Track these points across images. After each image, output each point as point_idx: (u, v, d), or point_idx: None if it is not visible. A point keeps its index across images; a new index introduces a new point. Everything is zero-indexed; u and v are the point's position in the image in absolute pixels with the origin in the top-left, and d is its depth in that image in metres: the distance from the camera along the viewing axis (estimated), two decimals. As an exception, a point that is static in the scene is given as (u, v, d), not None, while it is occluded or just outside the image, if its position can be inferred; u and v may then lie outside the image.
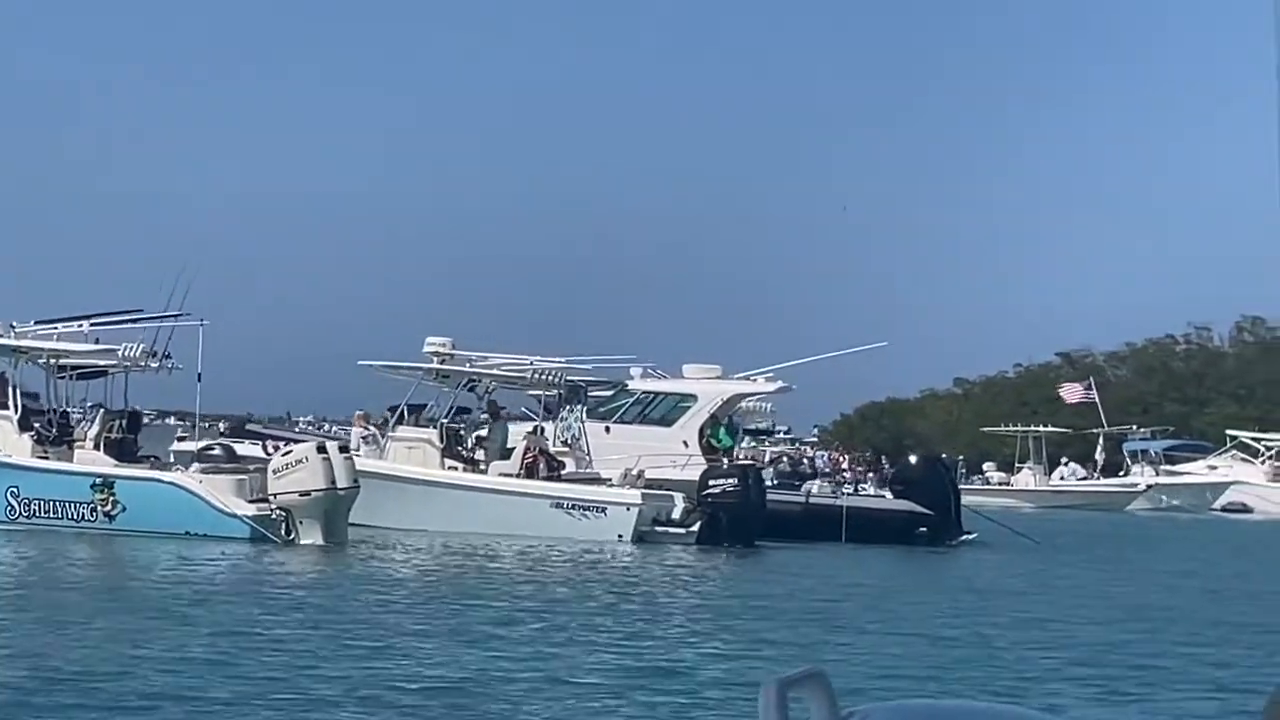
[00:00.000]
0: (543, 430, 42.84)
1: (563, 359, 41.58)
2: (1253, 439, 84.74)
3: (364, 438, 41.52)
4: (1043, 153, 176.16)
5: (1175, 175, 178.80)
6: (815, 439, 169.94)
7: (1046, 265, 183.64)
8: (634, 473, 41.00)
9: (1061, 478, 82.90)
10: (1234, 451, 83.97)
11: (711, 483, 40.28)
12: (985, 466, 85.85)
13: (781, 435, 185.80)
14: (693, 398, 45.19)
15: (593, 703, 16.13)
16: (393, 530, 38.74)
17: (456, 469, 40.71)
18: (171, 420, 65.94)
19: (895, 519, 44.21)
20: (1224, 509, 78.52)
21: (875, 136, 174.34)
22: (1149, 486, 77.40)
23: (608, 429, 44.66)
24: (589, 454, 42.78)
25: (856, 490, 46.55)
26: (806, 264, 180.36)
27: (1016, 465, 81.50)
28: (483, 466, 40.88)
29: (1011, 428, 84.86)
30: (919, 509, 44.33)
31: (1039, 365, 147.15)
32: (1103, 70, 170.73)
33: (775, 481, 49.18)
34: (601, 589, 28.86)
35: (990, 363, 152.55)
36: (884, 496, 45.75)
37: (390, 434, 40.79)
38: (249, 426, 48.99)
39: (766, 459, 66.87)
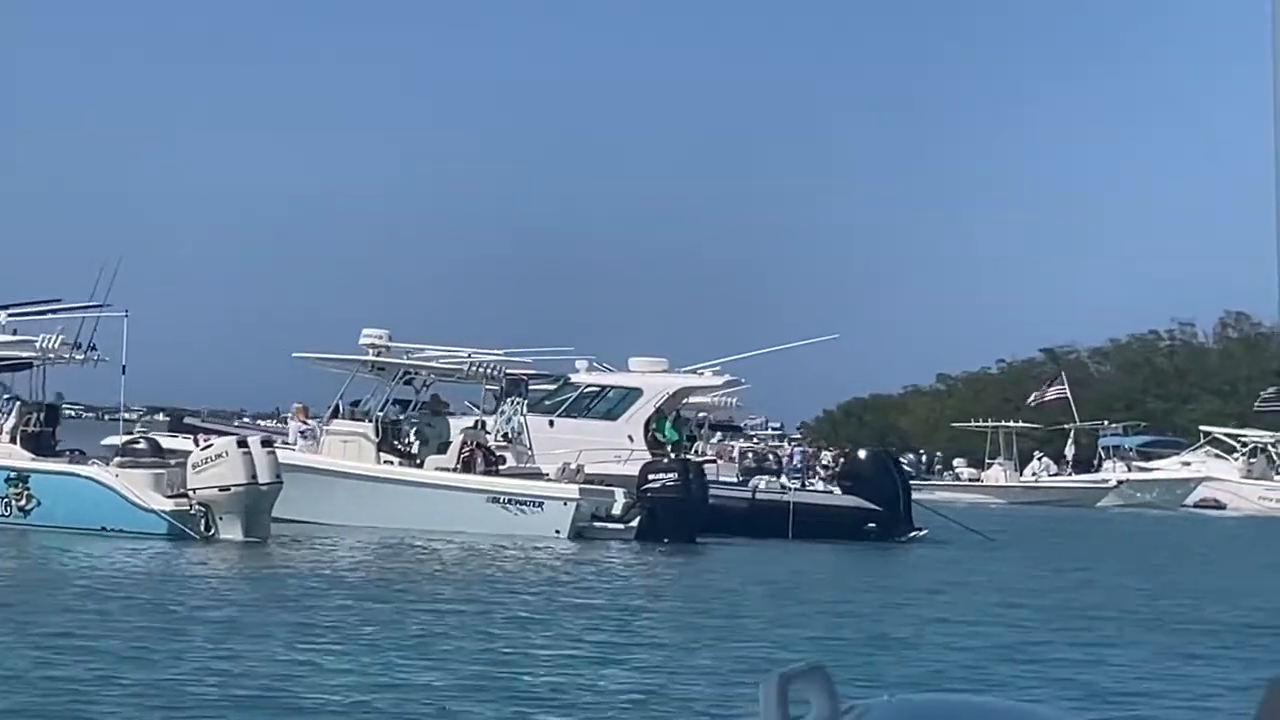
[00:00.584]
0: (483, 424, 42.15)
1: (500, 351, 40.80)
2: (1227, 435, 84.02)
3: (302, 432, 40.78)
4: (1028, 150, 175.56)
5: (1161, 172, 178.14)
6: (798, 435, 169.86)
7: (1031, 261, 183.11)
8: (573, 467, 40.27)
9: (1035, 474, 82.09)
10: (1208, 448, 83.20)
11: (651, 477, 39.52)
12: (956, 462, 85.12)
13: (773, 431, 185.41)
14: (638, 391, 44.46)
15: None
16: (327, 526, 38.02)
17: (392, 463, 39.95)
18: (128, 416, 65.14)
19: (843, 515, 43.45)
20: (1196, 505, 77.80)
21: (863, 132, 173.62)
22: (1120, 483, 76.60)
23: (551, 423, 43.94)
24: (531, 448, 42.04)
25: (804, 485, 45.74)
26: (787, 261, 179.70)
27: (987, 461, 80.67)
28: (420, 461, 40.13)
29: (981, 423, 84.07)
30: (867, 505, 43.59)
31: (1022, 361, 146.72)
32: (1089, 67, 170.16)
33: (740, 477, 48.95)
34: (520, 585, 28.17)
35: (974, 359, 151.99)
36: (832, 492, 44.96)
37: (325, 427, 40.04)
38: (187, 420, 48.14)
39: (735, 454, 66.34)
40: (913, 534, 43.99)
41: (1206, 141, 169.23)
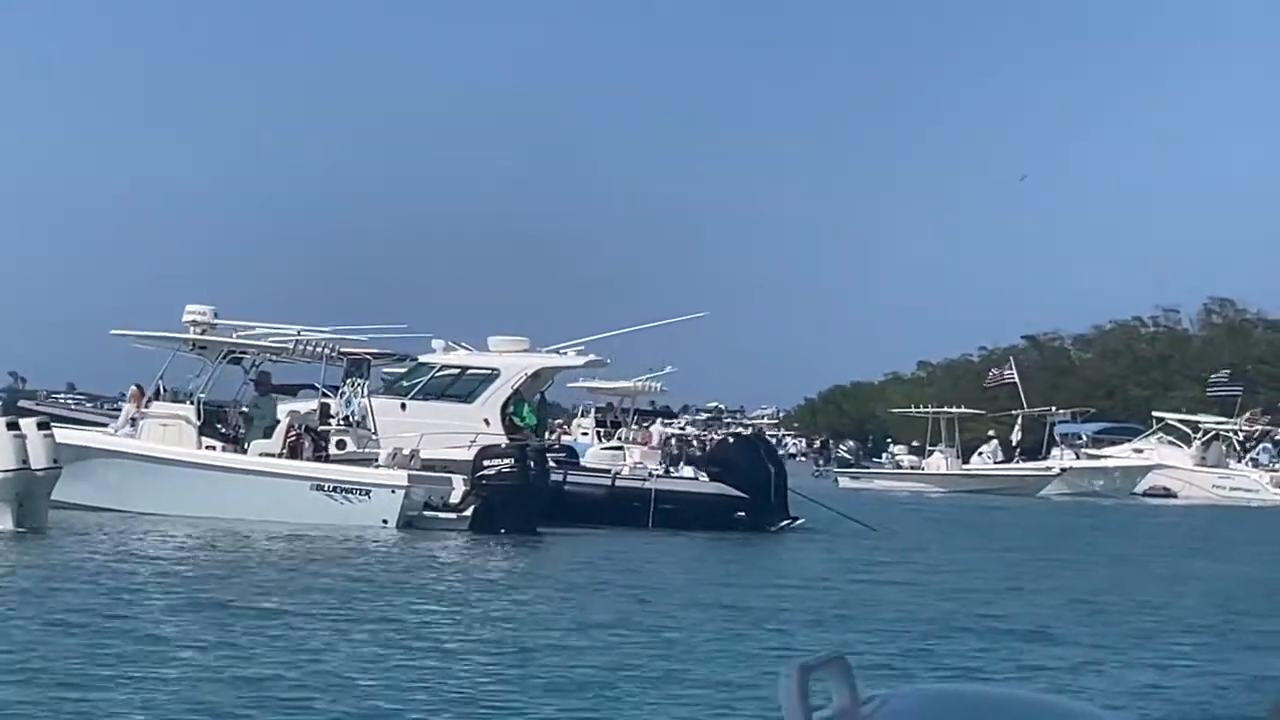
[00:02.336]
0: (327, 408, 39.79)
1: (329, 329, 38.35)
2: (1181, 421, 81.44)
3: (133, 417, 38.45)
4: (1011, 136, 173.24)
5: (1148, 158, 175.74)
6: (777, 422, 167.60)
7: (1015, 248, 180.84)
8: (406, 453, 37.84)
9: (986, 460, 79.55)
10: (1161, 434, 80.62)
11: (486, 464, 37.05)
12: (895, 450, 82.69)
13: (764, 414, 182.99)
14: (495, 372, 41.96)
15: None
16: (146, 515, 35.78)
17: (215, 448, 37.56)
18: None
19: (708, 503, 41.00)
20: (1145, 494, 75.21)
21: (854, 121, 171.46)
22: (1062, 470, 73.89)
23: (403, 406, 41.48)
24: (375, 432, 39.59)
25: (668, 472, 43.24)
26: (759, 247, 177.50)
27: (928, 449, 78.03)
28: (245, 446, 37.75)
29: (922, 409, 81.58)
30: (733, 492, 41.12)
31: (1003, 348, 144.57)
32: (1075, 54, 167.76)
33: (664, 466, 47.57)
34: (325, 579, 25.99)
35: (957, 346, 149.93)
36: (698, 479, 42.49)
37: (144, 410, 37.67)
38: (21, 403, 45.77)
39: (655, 441, 64.04)
40: (785, 523, 41.52)
41: (1198, 128, 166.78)
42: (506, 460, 37.03)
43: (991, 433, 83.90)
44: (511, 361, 42.04)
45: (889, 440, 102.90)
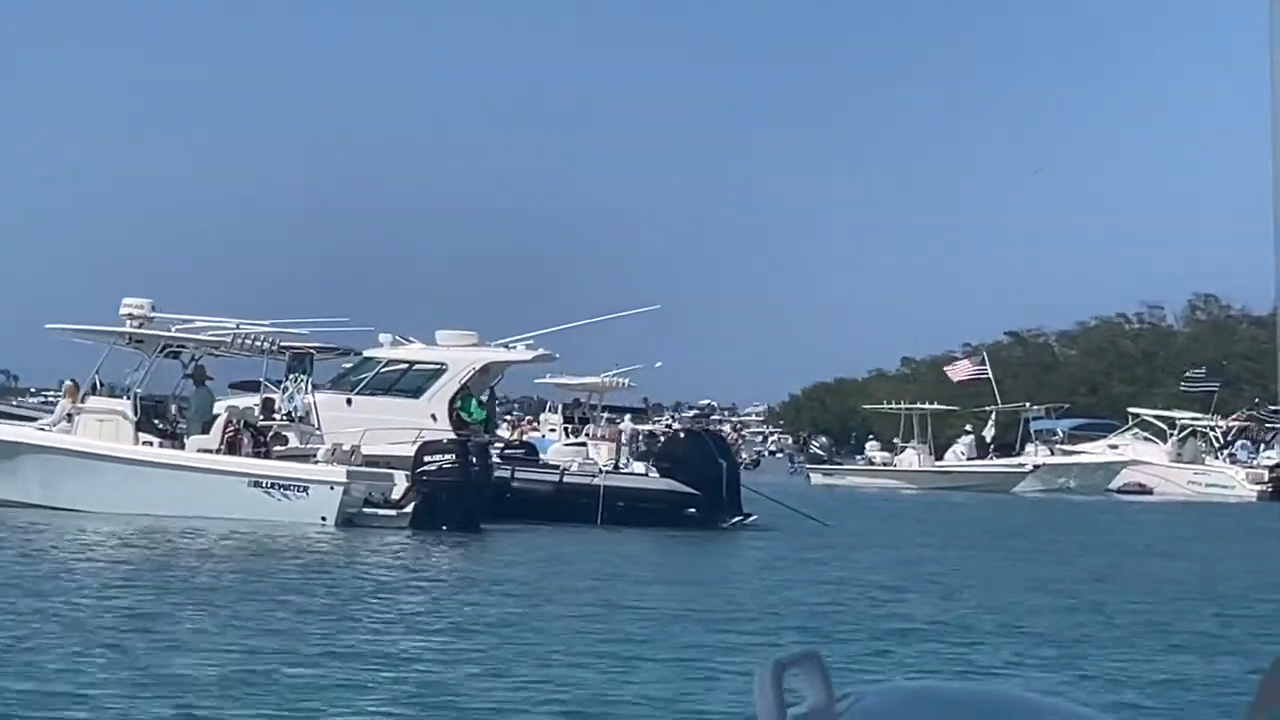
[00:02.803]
0: (272, 402, 39.19)
1: (268, 322, 37.66)
2: (1157, 418, 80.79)
3: (68, 412, 37.78)
4: (996, 132, 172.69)
5: (1135, 154, 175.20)
6: (761, 418, 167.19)
7: (1002, 244, 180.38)
8: (346, 448, 37.18)
9: (967, 456, 78.83)
10: (1135, 430, 79.97)
11: (427, 459, 36.40)
12: (868, 446, 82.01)
13: (755, 411, 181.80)
14: (442, 367, 41.30)
15: None
16: (80, 513, 35.14)
17: (152, 444, 36.90)
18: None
19: (657, 499, 40.36)
20: (1120, 490, 74.53)
21: (840, 118, 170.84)
22: (1035, 467, 73.17)
23: (349, 401, 40.84)
24: (319, 427, 38.96)
25: (617, 468, 42.57)
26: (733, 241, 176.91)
27: (900, 444, 77.30)
28: (183, 441, 37.09)
29: (895, 405, 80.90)
30: (683, 488, 40.48)
31: (988, 345, 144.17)
32: (1061, 48, 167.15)
33: (614, 462, 46.82)
34: (253, 578, 25.37)
35: (941, 342, 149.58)
36: (647, 475, 41.85)
37: (79, 406, 36.99)
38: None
39: (625, 438, 63.45)
40: (737, 520, 40.89)
41: (1179, 125, 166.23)
42: (447, 456, 36.38)
43: (968, 428, 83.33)
44: (459, 356, 41.40)
45: (871, 436, 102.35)
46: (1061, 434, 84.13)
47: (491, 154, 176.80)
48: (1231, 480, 75.85)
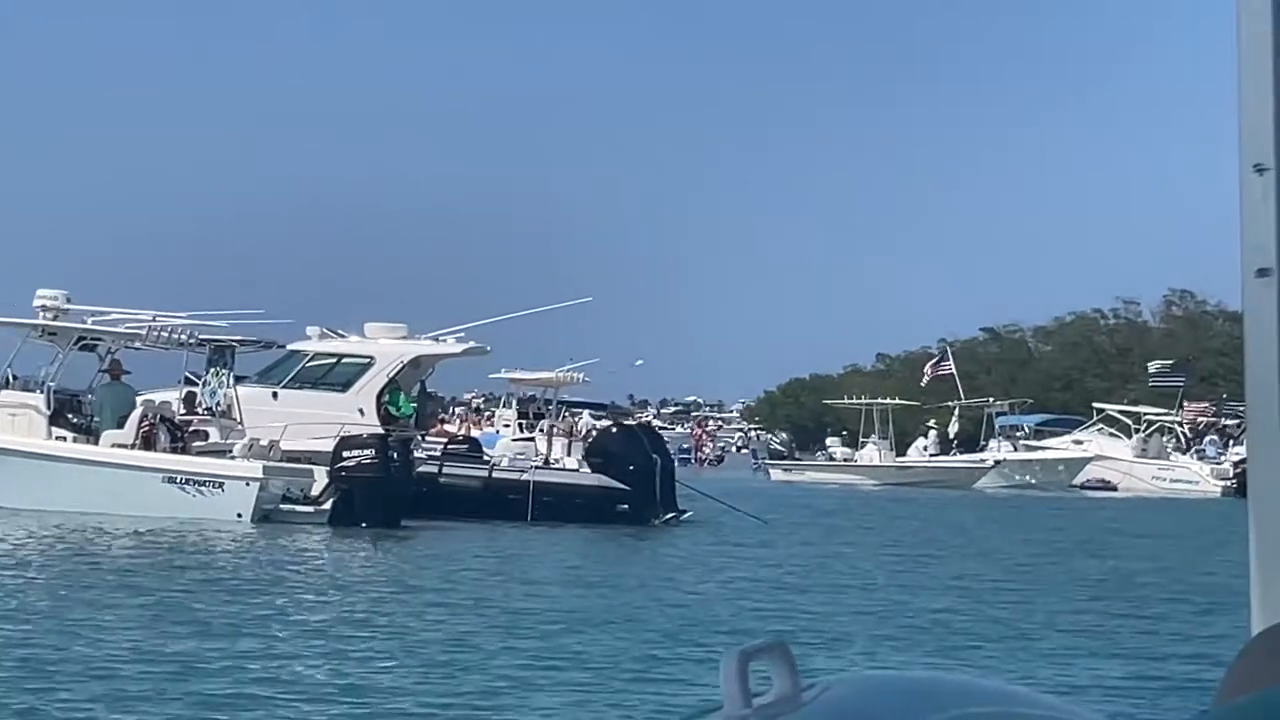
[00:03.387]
0: (192, 395, 38.38)
1: (185, 315, 36.82)
2: (1122, 413, 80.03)
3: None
4: (968, 127, 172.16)
5: (1112, 150, 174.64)
6: (737, 414, 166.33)
7: (980, 240, 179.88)
8: (264, 443, 36.35)
9: (931, 452, 78.05)
10: (1100, 426, 79.17)
11: (345, 454, 35.59)
12: (829, 441, 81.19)
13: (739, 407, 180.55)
14: (369, 360, 40.43)
15: None
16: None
17: (65, 438, 36.06)
18: None
19: (588, 495, 39.54)
20: (1084, 486, 73.71)
21: (823, 113, 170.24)
22: (996, 463, 72.29)
23: (275, 395, 39.95)
24: (241, 422, 38.12)
25: (547, 463, 41.71)
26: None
27: (861, 440, 76.43)
28: (98, 436, 36.27)
29: (856, 400, 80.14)
30: (614, 484, 39.66)
31: (964, 341, 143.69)
32: (1033, 43, 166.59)
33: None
34: (160, 576, 24.62)
35: (917, 337, 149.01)
36: (578, 470, 41.03)
37: (-12, 400, 36.18)
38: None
39: (582, 433, 62.77)
40: (670, 516, 40.07)
41: (1154, 120, 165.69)
42: (366, 451, 35.57)
43: (932, 424, 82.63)
44: (387, 349, 40.55)
45: (845, 432, 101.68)
46: (1028, 430, 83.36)
47: (445, 149, 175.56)
48: (1196, 476, 75.07)
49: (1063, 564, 31.45)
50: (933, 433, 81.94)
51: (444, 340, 41.47)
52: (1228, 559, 33.41)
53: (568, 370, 63.59)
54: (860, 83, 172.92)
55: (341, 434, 36.70)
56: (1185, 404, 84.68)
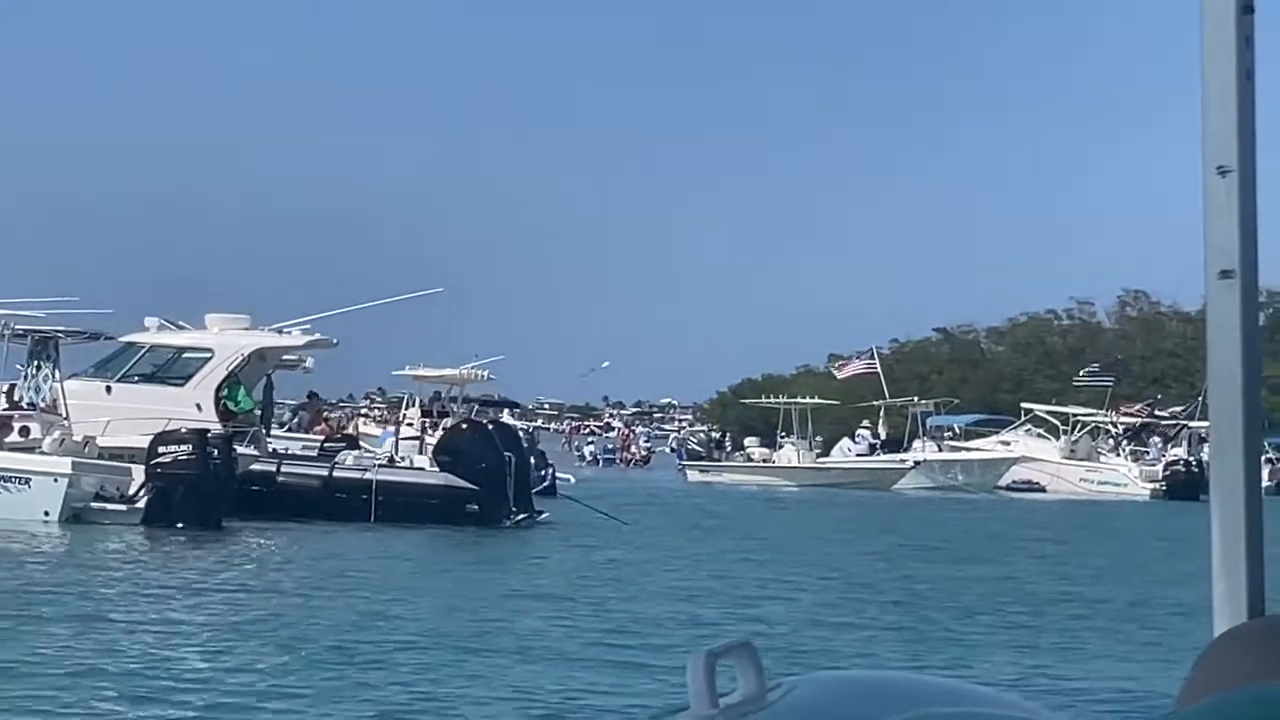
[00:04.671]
0: (13, 388, 36.50)
1: (-4, 302, 34.92)
2: (1050, 413, 78.33)
3: None
4: (920, 128, 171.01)
5: (1069, 149, 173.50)
6: (690, 416, 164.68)
7: (942, 240, 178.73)
8: (78, 439, 34.44)
9: (857, 452, 76.23)
10: (1028, 427, 77.42)
11: (161, 450, 33.69)
12: (747, 442, 79.39)
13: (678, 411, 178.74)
14: (208, 352, 38.53)
15: None
16: None
17: None
18: None
19: (433, 495, 37.64)
20: (1010, 487, 71.91)
21: (761, 113, 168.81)
22: (916, 463, 70.34)
23: (109, 389, 38.03)
24: (67, 416, 36.18)
25: (392, 461, 39.76)
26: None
27: (779, 440, 74.52)
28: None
29: (774, 399, 78.40)
30: (461, 483, 37.76)
31: (916, 341, 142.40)
32: (986, 46, 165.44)
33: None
34: None
35: (870, 338, 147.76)
36: (423, 469, 39.13)
37: None
38: None
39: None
40: (523, 517, 38.16)
41: (1116, 120, 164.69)
42: (184, 447, 33.67)
43: (866, 424, 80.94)
44: (227, 341, 38.63)
45: (783, 434, 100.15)
46: (958, 430, 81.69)
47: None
48: (1125, 478, 73.38)
49: (891, 567, 29.72)
50: (865, 433, 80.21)
51: (288, 332, 39.56)
52: (1058, 561, 31.90)
53: (472, 367, 61.81)
54: (815, 84, 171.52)
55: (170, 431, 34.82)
56: (1120, 404, 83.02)
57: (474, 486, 37.74)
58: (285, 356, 42.84)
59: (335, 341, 40.44)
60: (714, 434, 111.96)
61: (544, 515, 39.18)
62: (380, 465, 38.80)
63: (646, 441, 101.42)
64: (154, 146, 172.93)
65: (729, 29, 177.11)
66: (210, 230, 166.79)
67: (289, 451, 39.95)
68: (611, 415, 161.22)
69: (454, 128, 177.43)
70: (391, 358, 58.68)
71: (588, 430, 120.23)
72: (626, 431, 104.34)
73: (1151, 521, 50.92)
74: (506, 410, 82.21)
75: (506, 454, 38.36)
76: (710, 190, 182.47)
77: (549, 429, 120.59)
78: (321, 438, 45.63)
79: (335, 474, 38.05)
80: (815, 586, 25.23)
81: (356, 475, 38.03)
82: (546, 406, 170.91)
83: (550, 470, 51.48)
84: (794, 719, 2.00)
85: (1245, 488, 2.32)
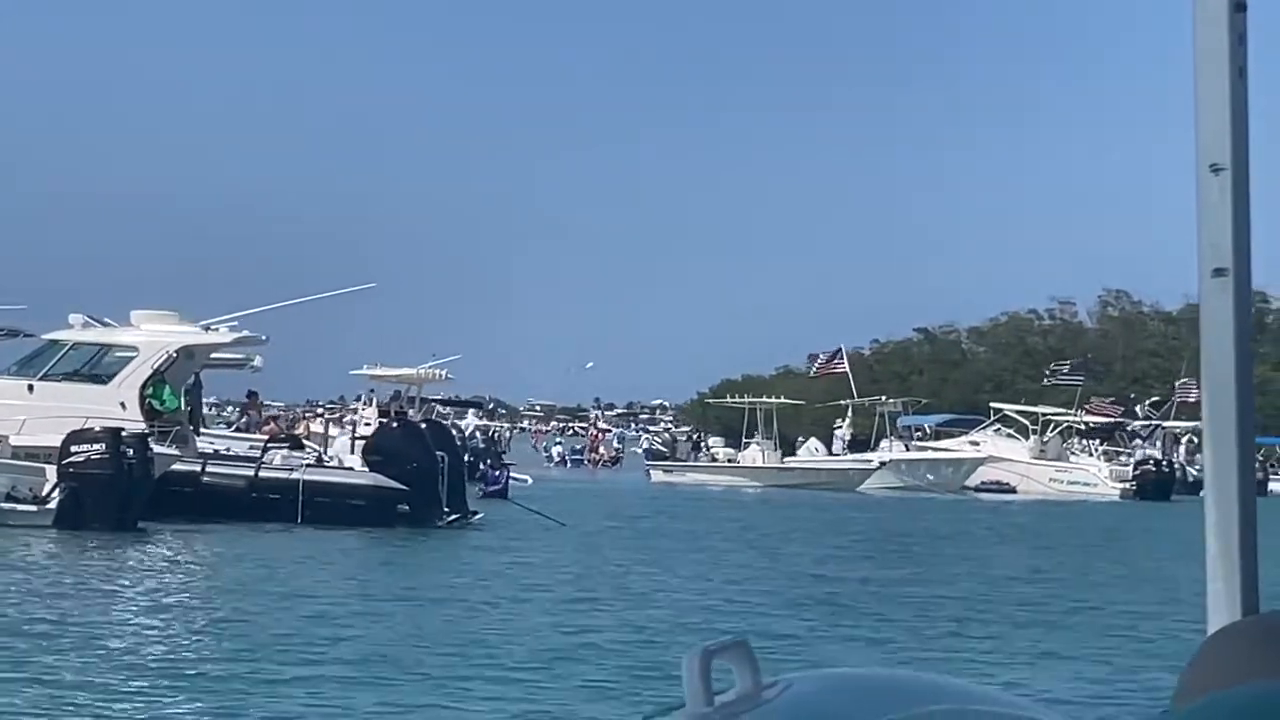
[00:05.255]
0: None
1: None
2: (1019, 413, 77.38)
3: None
4: (906, 126, 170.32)
5: (1053, 150, 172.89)
6: (671, 418, 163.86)
7: (926, 240, 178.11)
8: (-11, 438, 33.52)
9: (819, 451, 75.29)
10: (998, 426, 76.43)
11: (73, 450, 32.71)
12: (711, 441, 78.44)
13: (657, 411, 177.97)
14: (133, 350, 37.54)
15: None
16: None
17: None
18: None
19: (362, 496, 36.67)
20: (979, 488, 70.90)
21: (746, 114, 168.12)
22: (882, 464, 69.29)
23: (30, 387, 37.05)
24: (-13, 415, 35.25)
25: (320, 461, 38.75)
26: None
27: (744, 440, 73.52)
28: None
29: (738, 400, 77.48)
30: (391, 484, 36.79)
31: (897, 341, 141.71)
32: (964, 44, 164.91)
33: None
34: None
35: (852, 338, 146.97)
36: (352, 469, 38.13)
37: None
38: None
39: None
40: (455, 518, 37.20)
41: (1093, 128, 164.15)
42: (96, 445, 32.69)
43: (838, 423, 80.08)
44: (153, 338, 37.62)
45: (757, 433, 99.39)
46: (929, 430, 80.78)
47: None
48: (1095, 478, 72.44)
49: (825, 569, 28.90)
50: (838, 432, 79.37)
51: (216, 329, 38.56)
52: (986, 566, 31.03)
53: (430, 366, 60.90)
54: (800, 87, 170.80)
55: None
56: (1091, 403, 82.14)
57: (404, 487, 36.78)
58: (226, 356, 41.93)
59: (265, 338, 39.49)
60: (693, 435, 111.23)
61: (479, 516, 38.24)
62: (308, 465, 37.76)
63: (618, 443, 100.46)
64: (78, 138, 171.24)
65: (711, 30, 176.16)
66: (139, 226, 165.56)
67: (230, 451, 38.96)
68: (599, 416, 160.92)
69: (447, 131, 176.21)
70: (358, 358, 57.60)
71: (562, 430, 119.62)
72: (596, 432, 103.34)
73: (1106, 519, 50.09)
74: (471, 410, 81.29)
75: (439, 453, 37.40)
76: (697, 192, 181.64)
77: (527, 429, 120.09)
78: (265, 438, 44.71)
79: (261, 474, 37.04)
80: (725, 590, 24.32)
81: (283, 476, 37.02)
82: (538, 409, 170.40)
83: (505, 472, 50.60)
84: (789, 717, 2.00)
85: (1239, 486, 2.32)
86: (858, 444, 75.97)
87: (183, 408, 37.85)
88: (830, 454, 76.05)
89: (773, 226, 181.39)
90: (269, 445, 42.21)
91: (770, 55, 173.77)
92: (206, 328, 38.47)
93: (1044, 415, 76.41)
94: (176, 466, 35.69)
